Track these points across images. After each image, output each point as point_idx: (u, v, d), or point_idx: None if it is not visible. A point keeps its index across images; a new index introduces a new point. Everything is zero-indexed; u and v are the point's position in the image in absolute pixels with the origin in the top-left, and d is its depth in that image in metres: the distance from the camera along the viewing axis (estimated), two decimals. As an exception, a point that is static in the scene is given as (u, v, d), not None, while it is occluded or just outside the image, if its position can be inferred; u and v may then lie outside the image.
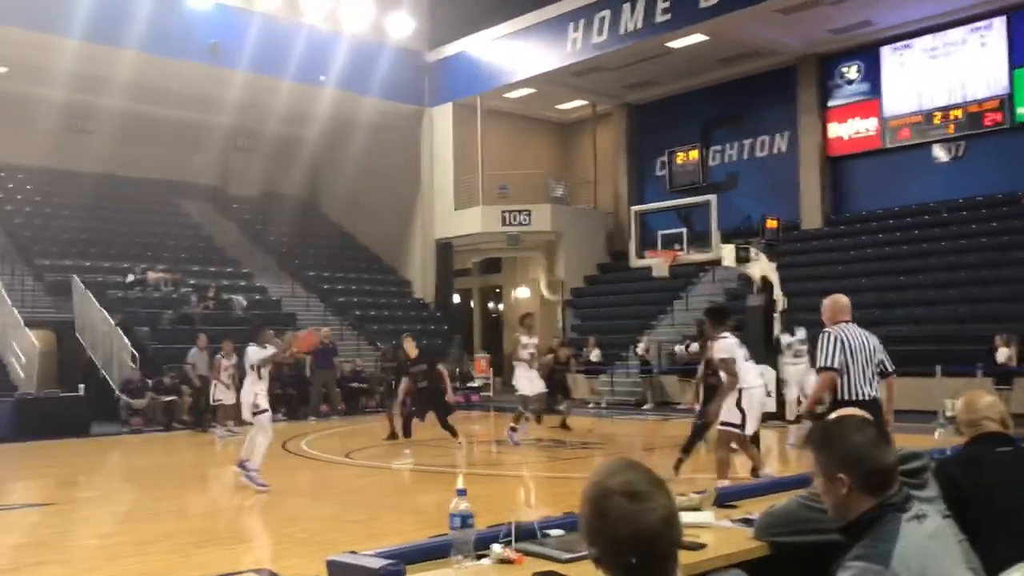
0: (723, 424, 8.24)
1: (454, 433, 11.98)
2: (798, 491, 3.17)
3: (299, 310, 23.47)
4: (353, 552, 3.10)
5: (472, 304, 30.74)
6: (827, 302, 6.40)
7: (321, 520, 8.14)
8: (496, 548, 2.91)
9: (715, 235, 15.87)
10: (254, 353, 9.62)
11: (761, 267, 16.21)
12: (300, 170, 29.24)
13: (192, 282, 22.31)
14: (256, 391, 9.59)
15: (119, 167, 25.84)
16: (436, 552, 3.00)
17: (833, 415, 3.34)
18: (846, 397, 6.05)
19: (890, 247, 20.92)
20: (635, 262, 17.14)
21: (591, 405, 20.24)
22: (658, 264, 16.40)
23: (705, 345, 9.90)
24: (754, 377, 8.41)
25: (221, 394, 15.95)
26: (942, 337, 16.94)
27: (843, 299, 6.38)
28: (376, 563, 2.76)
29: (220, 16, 22.39)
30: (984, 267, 18.81)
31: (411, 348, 12.01)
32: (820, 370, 6.19)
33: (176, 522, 8.12)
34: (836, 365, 6.05)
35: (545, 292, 27.16)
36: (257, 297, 23.16)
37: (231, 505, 9.11)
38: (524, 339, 13.23)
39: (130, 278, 21.52)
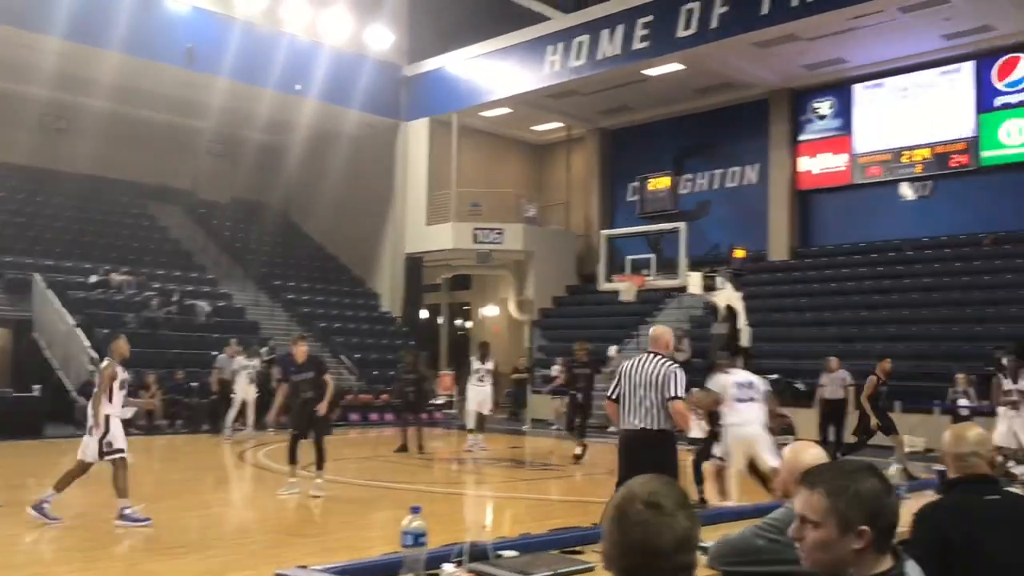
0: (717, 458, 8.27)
1: (320, 461, 10.11)
2: (752, 521, 3.17)
3: (263, 319, 23.27)
4: (303, 567, 3.06)
5: (440, 320, 30.65)
6: None
7: (273, 533, 8.04)
8: (447, 568, 2.89)
9: (683, 262, 15.96)
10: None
11: (726, 296, 16.34)
12: (273, 178, 29.11)
13: (156, 286, 22.06)
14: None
15: (93, 167, 25.55)
16: (386, 569, 2.97)
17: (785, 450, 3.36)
18: (619, 425, 6.42)
19: (855, 282, 21.17)
20: (603, 285, 17.21)
21: (554, 427, 20.21)
22: (626, 288, 16.46)
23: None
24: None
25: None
26: (903, 374, 17.11)
27: (655, 330, 6.63)
28: (325, 578, 2.73)
29: (199, 20, 22.28)
30: (946, 306, 19.09)
31: (300, 352, 10.25)
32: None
33: (124, 530, 7.97)
34: (611, 395, 6.49)
35: (514, 311, 27.15)
36: (221, 304, 22.94)
37: (182, 514, 8.96)
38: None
39: (93, 279, 21.24)
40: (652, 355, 6.36)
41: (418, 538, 2.84)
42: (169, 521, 8.55)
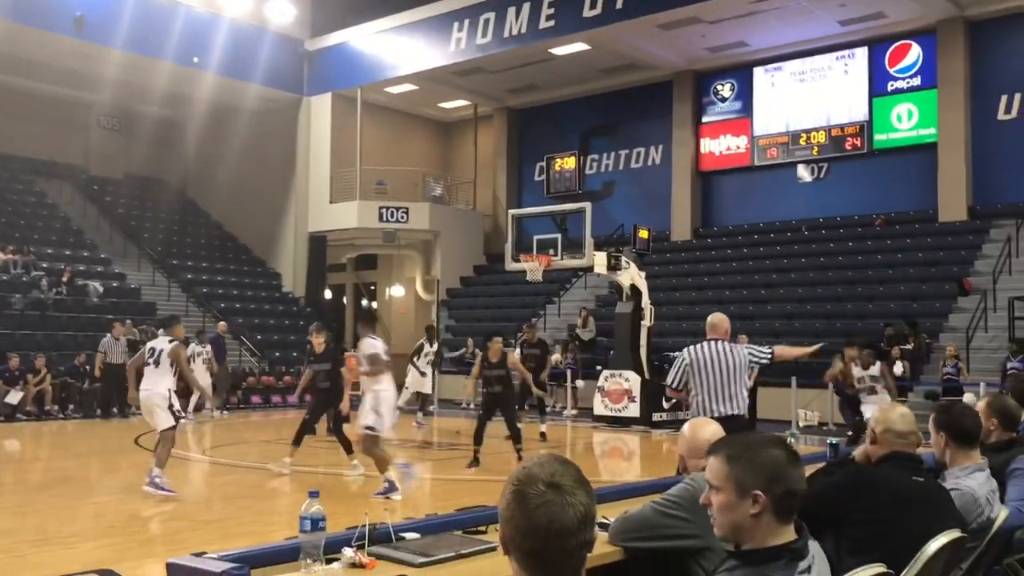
0: (365, 428, 8.53)
1: (348, 448, 10.28)
2: (652, 496, 3.20)
3: (159, 300, 22.58)
4: (199, 554, 2.96)
5: (345, 300, 30.26)
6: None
7: (172, 520, 7.81)
8: (347, 552, 2.83)
9: (588, 242, 16.09)
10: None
11: (631, 275, 16.56)
12: (169, 154, 28.18)
13: (45, 265, 21.15)
14: None
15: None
16: (284, 556, 2.90)
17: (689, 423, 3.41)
18: (699, 414, 6.25)
19: (754, 261, 21.73)
20: (510, 265, 17.21)
21: (464, 406, 20.19)
22: (532, 268, 16.49)
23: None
24: (387, 381, 8.83)
25: None
26: (799, 350, 17.66)
27: (714, 317, 6.59)
28: (219, 567, 2.63)
29: (89, -13, 21.30)
30: (840, 284, 19.78)
31: (318, 343, 10.65)
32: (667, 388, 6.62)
33: (12, 520, 7.64)
34: (674, 384, 6.43)
35: (420, 291, 26.99)
36: (115, 284, 22.15)
37: (73, 502, 8.63)
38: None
39: (-24, 258, 20.24)
40: (721, 342, 6.38)
41: (317, 523, 2.77)
42: (59, 509, 8.23)
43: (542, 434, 13.94)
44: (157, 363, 8.86)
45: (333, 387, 10.46)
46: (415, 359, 16.19)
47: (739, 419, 6.28)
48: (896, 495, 3.06)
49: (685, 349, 6.47)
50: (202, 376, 16.81)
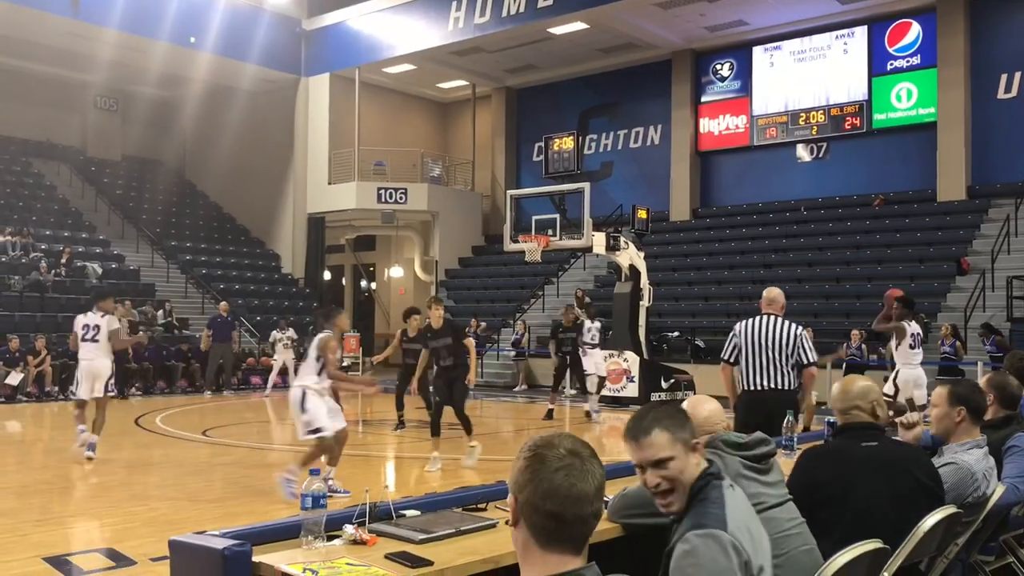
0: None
1: (468, 428, 9.47)
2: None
3: (158, 281, 22.57)
4: (200, 532, 2.98)
5: (344, 281, 30.27)
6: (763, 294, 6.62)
7: (172, 499, 7.85)
8: (348, 529, 2.85)
9: (587, 223, 16.09)
10: None
11: (629, 255, 16.56)
12: (167, 135, 28.11)
13: (43, 247, 21.12)
14: None
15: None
16: (286, 533, 2.91)
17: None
18: (743, 387, 6.31)
19: (752, 241, 21.74)
20: (509, 245, 17.21)
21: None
22: (531, 248, 16.50)
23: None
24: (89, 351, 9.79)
25: None
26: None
27: (770, 292, 6.50)
28: (221, 543, 2.65)
29: (84, -33, 21.16)
30: (839, 264, 19.79)
31: (436, 318, 9.41)
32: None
33: (14, 500, 7.67)
34: (728, 358, 6.40)
35: (419, 272, 26.99)
36: (114, 265, 22.14)
37: (76, 483, 8.67)
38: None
39: (-26, 240, 20.21)
40: (772, 317, 6.31)
41: (318, 500, 2.79)
42: (61, 489, 8.27)
43: (587, 413, 13.86)
44: (304, 355, 7.94)
45: (456, 363, 9.28)
46: (578, 339, 14.01)
47: (786, 393, 6.19)
48: (836, 464, 3.13)
49: (738, 323, 6.42)
50: (284, 355, 18.57)
